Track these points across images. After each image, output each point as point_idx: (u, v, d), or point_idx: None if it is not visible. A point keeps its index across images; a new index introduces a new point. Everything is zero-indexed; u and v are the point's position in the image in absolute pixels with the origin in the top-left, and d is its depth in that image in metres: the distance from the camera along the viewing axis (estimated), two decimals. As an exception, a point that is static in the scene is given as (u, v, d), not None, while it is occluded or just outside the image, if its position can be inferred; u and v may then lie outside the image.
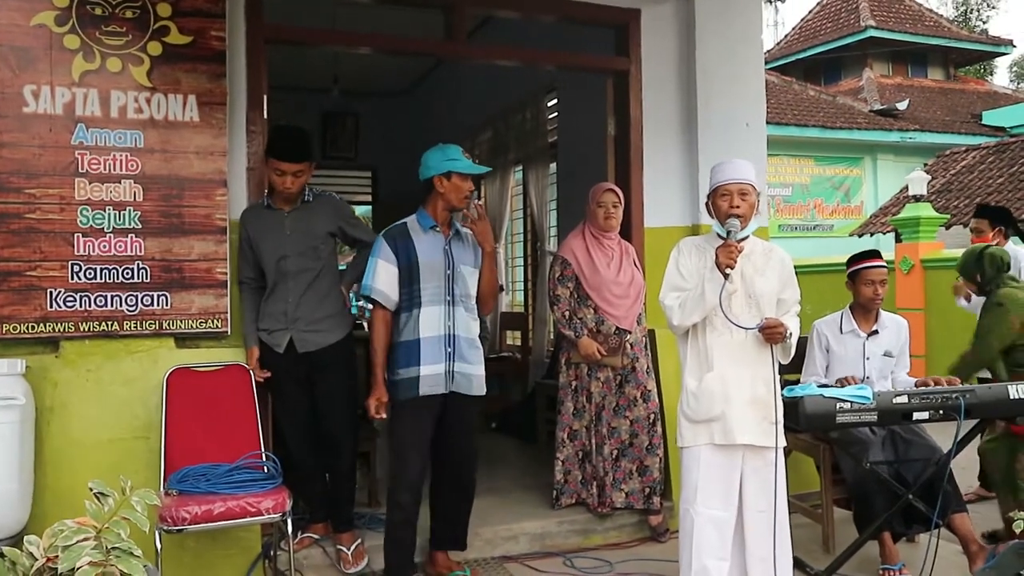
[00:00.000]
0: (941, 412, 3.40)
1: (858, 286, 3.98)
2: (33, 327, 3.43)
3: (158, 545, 3.05)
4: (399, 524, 3.44)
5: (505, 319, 7.86)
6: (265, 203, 3.65)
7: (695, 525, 3.07)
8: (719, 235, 3.10)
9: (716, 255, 2.96)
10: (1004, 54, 22.54)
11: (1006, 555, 3.41)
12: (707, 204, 3.20)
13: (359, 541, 3.76)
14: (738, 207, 3.03)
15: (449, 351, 3.44)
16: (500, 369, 7.02)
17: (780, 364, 3.12)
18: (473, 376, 3.52)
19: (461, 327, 3.49)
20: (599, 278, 4.18)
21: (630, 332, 4.17)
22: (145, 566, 2.22)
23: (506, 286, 8.38)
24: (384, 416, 3.44)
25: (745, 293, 3.08)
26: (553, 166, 6.97)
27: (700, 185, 4.58)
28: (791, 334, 3.06)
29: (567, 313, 4.22)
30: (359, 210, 10.36)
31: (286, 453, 3.65)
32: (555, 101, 6.82)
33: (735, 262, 2.95)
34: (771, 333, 3.01)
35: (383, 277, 3.45)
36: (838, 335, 4.04)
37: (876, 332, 4.01)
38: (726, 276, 2.93)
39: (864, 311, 4.02)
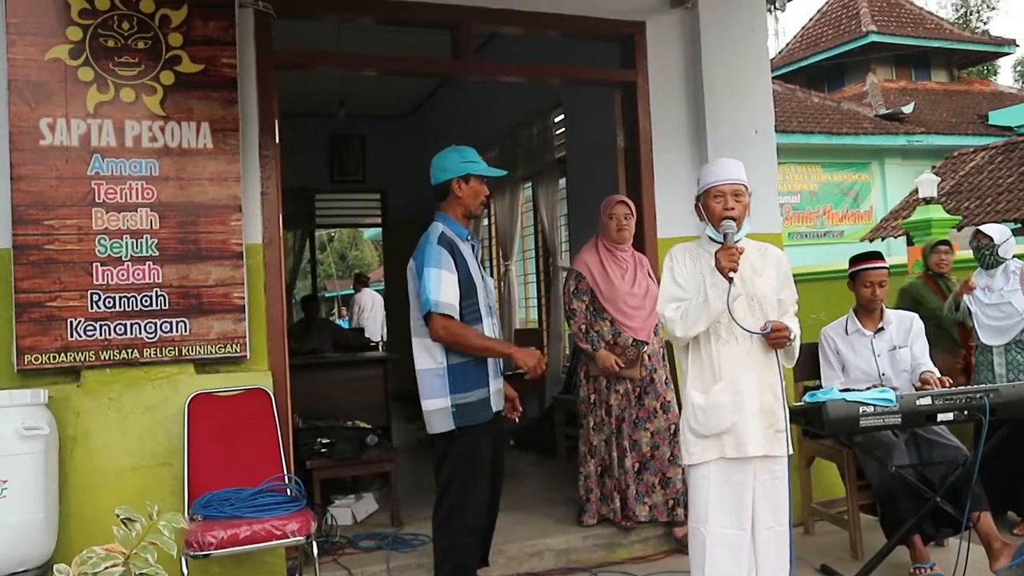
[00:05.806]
0: (966, 413, 3.37)
1: (857, 287, 4.04)
2: (54, 357, 3.44)
3: (184, 570, 3.05)
4: (471, 551, 3.29)
5: (519, 336, 7.85)
6: None
7: (707, 545, 2.91)
8: (711, 238, 2.99)
9: (717, 259, 2.82)
10: (1007, 54, 22.53)
11: (1034, 552, 3.37)
12: (697, 206, 3.06)
13: None
14: (732, 208, 2.90)
15: (498, 366, 3.36)
16: (517, 386, 6.97)
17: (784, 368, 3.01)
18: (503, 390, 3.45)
19: None
20: (614, 290, 4.17)
21: (647, 343, 4.16)
22: (175, 591, 2.23)
23: (519, 303, 8.37)
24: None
25: (747, 296, 2.94)
26: (562, 181, 6.99)
27: (712, 194, 4.57)
28: (795, 336, 2.95)
29: (584, 327, 4.21)
30: (369, 233, 10.30)
31: None
32: (561, 117, 6.85)
33: (737, 264, 2.81)
34: (777, 337, 2.88)
35: (450, 289, 3.15)
36: (844, 336, 4.08)
37: (882, 329, 4.02)
38: (730, 280, 2.80)
39: (867, 311, 4.06)
